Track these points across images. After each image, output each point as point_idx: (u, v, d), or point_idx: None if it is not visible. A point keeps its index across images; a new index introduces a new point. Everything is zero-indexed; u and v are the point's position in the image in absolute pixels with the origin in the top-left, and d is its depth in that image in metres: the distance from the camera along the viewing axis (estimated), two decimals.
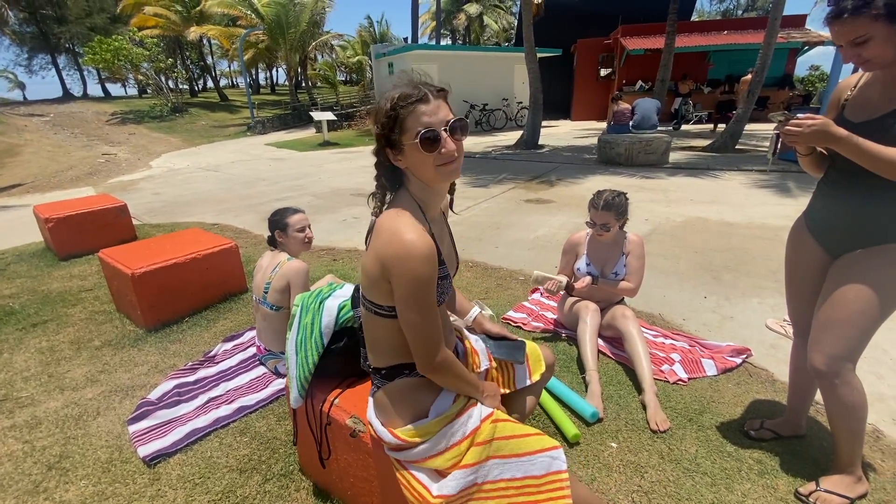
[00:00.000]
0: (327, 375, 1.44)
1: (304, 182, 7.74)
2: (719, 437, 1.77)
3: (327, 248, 4.31)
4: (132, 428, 1.92)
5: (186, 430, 1.89)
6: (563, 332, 2.57)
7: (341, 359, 1.42)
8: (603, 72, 17.49)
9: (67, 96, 27.53)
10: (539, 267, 3.25)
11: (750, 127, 10.74)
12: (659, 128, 8.52)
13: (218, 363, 2.38)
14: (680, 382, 2.08)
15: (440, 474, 1.10)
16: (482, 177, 7.45)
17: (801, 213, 1.58)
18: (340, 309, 1.40)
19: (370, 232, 1.09)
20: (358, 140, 14.26)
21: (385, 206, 1.10)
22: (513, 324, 2.74)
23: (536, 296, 3.04)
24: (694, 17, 23.07)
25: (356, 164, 9.61)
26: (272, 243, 2.29)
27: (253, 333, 2.63)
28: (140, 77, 20.97)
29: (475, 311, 1.48)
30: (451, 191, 1.23)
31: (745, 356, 2.26)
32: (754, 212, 4.90)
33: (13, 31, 26.80)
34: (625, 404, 1.96)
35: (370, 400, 1.22)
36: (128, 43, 18.86)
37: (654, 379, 2.08)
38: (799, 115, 1.26)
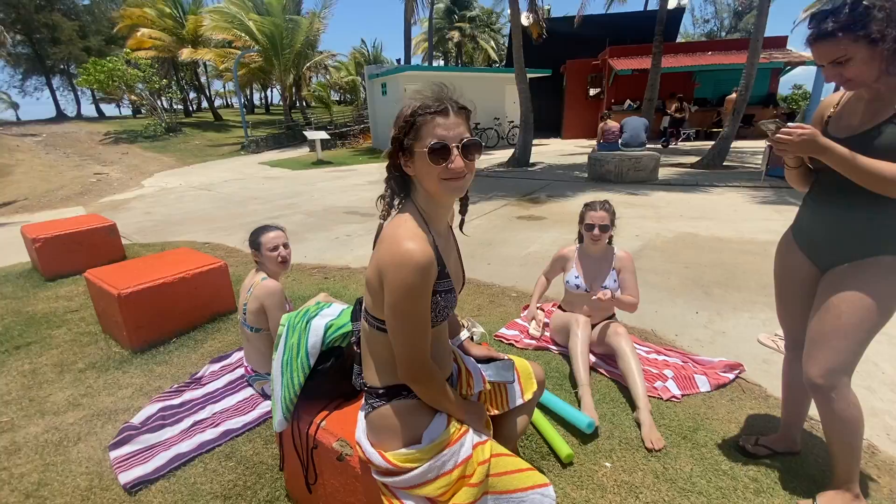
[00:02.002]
0: (314, 397, 1.41)
1: (296, 200, 7.74)
2: (714, 455, 1.74)
3: (319, 266, 4.29)
4: (113, 454, 1.86)
5: (170, 455, 1.84)
6: (554, 349, 2.56)
7: (328, 380, 1.40)
8: (592, 91, 17.85)
9: (61, 116, 27.60)
10: (528, 283, 3.25)
11: (737, 144, 11.00)
12: (647, 145, 8.68)
13: (204, 385, 2.33)
14: (673, 399, 2.07)
15: (432, 502, 1.07)
16: (474, 194, 7.50)
17: (788, 227, 1.60)
18: (327, 328, 1.38)
19: (378, 237, 1.10)
20: (351, 159, 14.36)
21: (391, 215, 1.11)
22: (505, 341, 2.72)
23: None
24: (679, 39, 23.74)
25: (349, 181, 9.65)
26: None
27: (241, 354, 2.58)
28: (134, 97, 21.09)
29: (464, 334, 1.46)
30: (464, 210, 1.25)
31: (737, 371, 2.25)
32: (744, 227, 4.96)
33: (8, 52, 26.98)
34: (618, 422, 1.94)
35: (361, 420, 1.19)
36: (122, 64, 19.02)
37: (648, 396, 2.06)
38: (789, 124, 1.28)
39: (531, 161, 10.95)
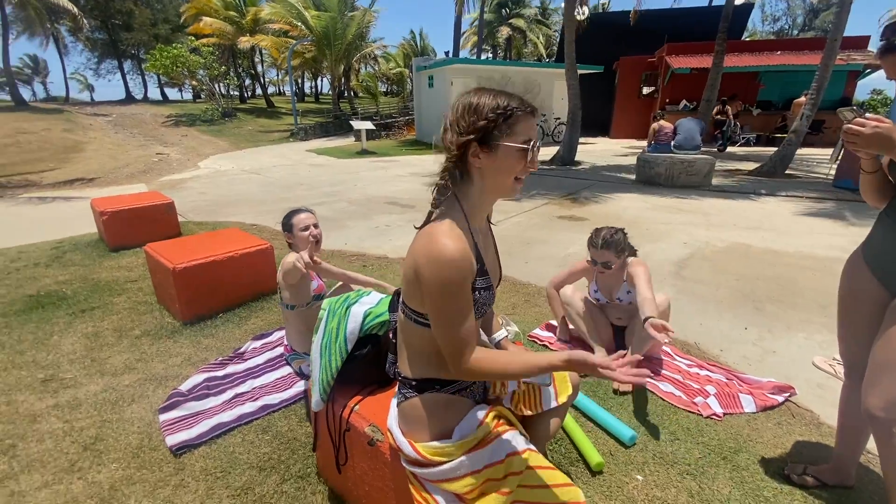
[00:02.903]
0: (349, 381, 1.45)
1: (340, 188, 7.93)
2: (756, 480, 1.66)
3: (358, 253, 4.38)
4: (162, 417, 1.99)
5: (212, 423, 1.95)
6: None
7: (364, 366, 1.43)
8: (645, 90, 17.17)
9: (129, 98, 29.53)
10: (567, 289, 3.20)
11: (803, 151, 10.25)
12: (703, 149, 8.26)
13: (246, 360, 2.44)
14: (714, 417, 1.97)
15: (459, 499, 1.08)
16: None
17: (858, 245, 1.48)
18: (366, 316, 1.41)
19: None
20: (394, 150, 14.53)
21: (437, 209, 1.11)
22: (539, 342, 2.68)
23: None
24: (745, 37, 22.36)
25: (391, 172, 9.78)
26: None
27: (282, 333, 2.69)
28: (195, 83, 22.24)
29: (502, 333, 1.46)
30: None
31: (787, 394, 2.12)
32: (803, 240, 4.64)
33: (86, 37, 29.11)
34: (653, 435, 1.87)
35: (393, 407, 1.21)
36: (186, 51, 20.08)
37: (687, 411, 1.98)
38: (868, 115, 1.18)
39: (576, 160, 10.68)
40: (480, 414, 1.14)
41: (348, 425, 1.38)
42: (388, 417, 1.24)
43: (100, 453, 1.82)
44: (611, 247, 2.23)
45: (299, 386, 2.21)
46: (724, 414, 2.00)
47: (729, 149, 12.86)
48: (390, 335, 1.31)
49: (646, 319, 1.74)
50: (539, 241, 4.73)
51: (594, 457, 1.67)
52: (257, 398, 2.12)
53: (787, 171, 8.86)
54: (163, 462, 1.78)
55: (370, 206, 6.45)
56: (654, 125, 8.59)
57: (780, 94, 14.60)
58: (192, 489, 1.65)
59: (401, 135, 19.49)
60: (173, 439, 1.85)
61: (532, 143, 1.01)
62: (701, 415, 1.98)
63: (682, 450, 1.79)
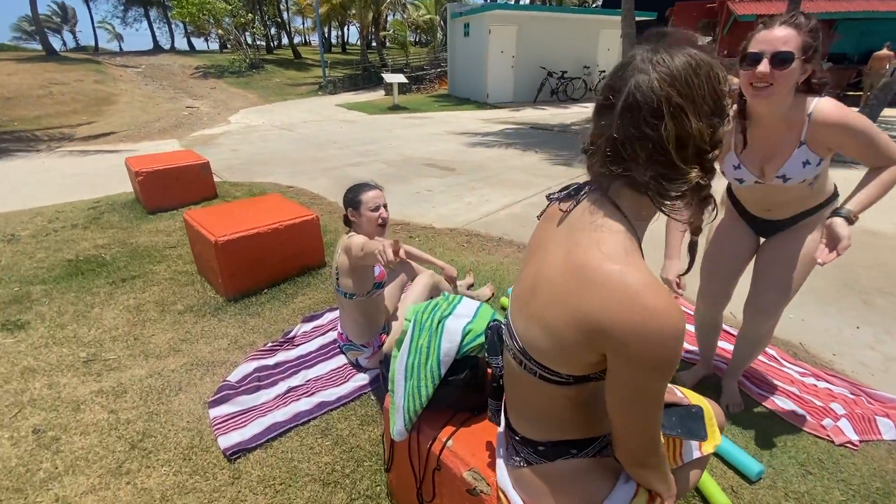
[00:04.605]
0: (437, 406, 1.19)
1: (374, 147, 7.55)
2: None
3: (402, 222, 4.09)
4: (213, 412, 1.81)
5: (266, 422, 1.76)
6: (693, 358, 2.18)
7: (457, 391, 1.16)
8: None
9: (157, 48, 29.18)
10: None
11: (888, 112, 9.09)
12: None
13: (297, 346, 2.24)
14: (849, 446, 1.66)
15: None
16: (563, 153, 6.89)
17: None
18: (465, 334, 1.13)
19: (562, 222, 0.77)
20: (427, 105, 13.87)
21: (578, 202, 0.76)
22: None
23: None
24: None
25: (426, 130, 9.30)
26: (347, 223, 2.05)
27: (333, 315, 2.47)
28: (221, 31, 21.62)
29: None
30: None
31: None
32: None
33: None
34: (781, 468, 1.58)
35: (506, 469, 0.94)
36: None
37: (815, 436, 1.67)
38: None
39: None
40: (632, 482, 0.86)
41: (439, 464, 1.13)
42: (497, 472, 0.97)
43: (148, 453, 1.66)
44: (800, 24, 1.21)
45: (357, 380, 2.00)
46: (861, 441, 1.68)
47: None
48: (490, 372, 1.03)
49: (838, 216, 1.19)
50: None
51: (720, 499, 1.39)
52: (312, 393, 1.92)
53: None
54: (216, 468, 1.60)
55: (408, 168, 6.09)
56: None
57: (857, 45, 13.06)
58: (251, 503, 1.47)
59: (432, 88, 18.62)
60: (226, 441, 1.67)
61: None
62: (833, 442, 1.67)
63: (819, 489, 1.49)
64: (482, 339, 1.12)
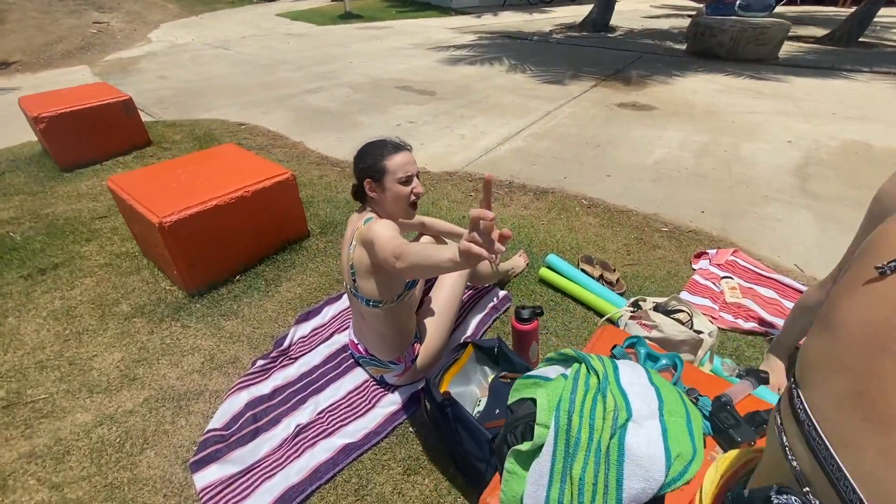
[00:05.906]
0: None
1: (333, 68, 6.45)
2: None
3: None
4: (199, 479, 1.32)
5: (277, 487, 1.29)
6: (773, 334, 1.84)
7: None
8: None
9: None
10: (677, 210, 2.44)
11: (885, 12, 8.55)
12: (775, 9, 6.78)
13: (296, 359, 1.72)
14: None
15: None
16: (552, 69, 6.11)
17: None
18: (671, 461, 0.63)
19: None
20: (383, 12, 12.13)
21: None
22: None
23: (705, 263, 2.23)
24: None
25: (389, 43, 8.08)
26: (359, 197, 1.46)
27: (333, 309, 1.94)
28: None
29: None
30: None
31: None
32: None
33: None
34: None
35: None
36: None
37: None
38: None
39: (610, 24, 8.95)
40: None
41: None
42: None
43: None
44: None
45: (385, 404, 1.54)
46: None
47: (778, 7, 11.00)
48: None
49: None
50: (609, 142, 3.78)
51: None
52: (329, 432, 1.45)
53: (860, 38, 7.53)
54: None
55: (380, 93, 5.20)
56: None
57: None
58: None
59: None
60: None
61: None
62: None
63: None
64: (697, 465, 0.63)
